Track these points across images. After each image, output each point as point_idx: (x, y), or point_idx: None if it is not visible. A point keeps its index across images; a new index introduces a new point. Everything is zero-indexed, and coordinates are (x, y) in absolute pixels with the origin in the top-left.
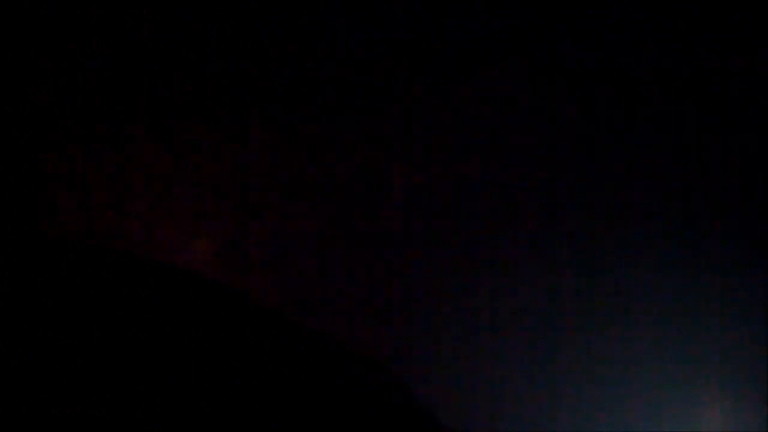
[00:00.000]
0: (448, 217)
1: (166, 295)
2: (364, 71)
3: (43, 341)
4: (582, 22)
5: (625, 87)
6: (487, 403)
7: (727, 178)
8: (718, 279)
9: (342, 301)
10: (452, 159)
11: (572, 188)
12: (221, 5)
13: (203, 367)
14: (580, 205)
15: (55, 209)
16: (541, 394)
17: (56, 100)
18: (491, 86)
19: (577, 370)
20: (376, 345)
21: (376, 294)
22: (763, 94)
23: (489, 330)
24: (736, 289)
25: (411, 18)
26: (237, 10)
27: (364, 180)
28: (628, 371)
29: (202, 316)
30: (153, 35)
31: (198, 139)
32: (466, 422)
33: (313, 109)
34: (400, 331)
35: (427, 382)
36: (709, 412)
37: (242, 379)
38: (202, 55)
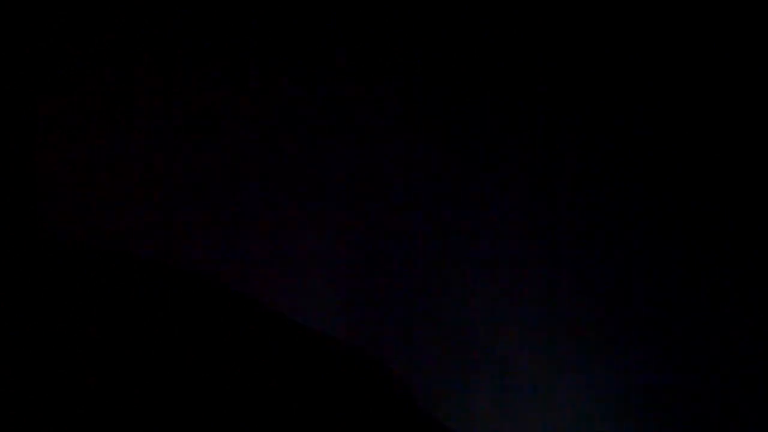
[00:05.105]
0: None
1: (165, 296)
2: None
3: (42, 341)
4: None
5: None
6: (486, 402)
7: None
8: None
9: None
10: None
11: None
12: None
13: (202, 368)
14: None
15: (55, 209)
16: (541, 393)
17: (56, 101)
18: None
19: (577, 371)
20: (374, 341)
21: (375, 290)
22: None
23: (488, 328)
24: (742, 289)
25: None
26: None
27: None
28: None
29: (202, 316)
30: (154, 35)
31: (197, 137)
32: (466, 421)
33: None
34: (399, 328)
35: (427, 380)
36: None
37: (242, 378)
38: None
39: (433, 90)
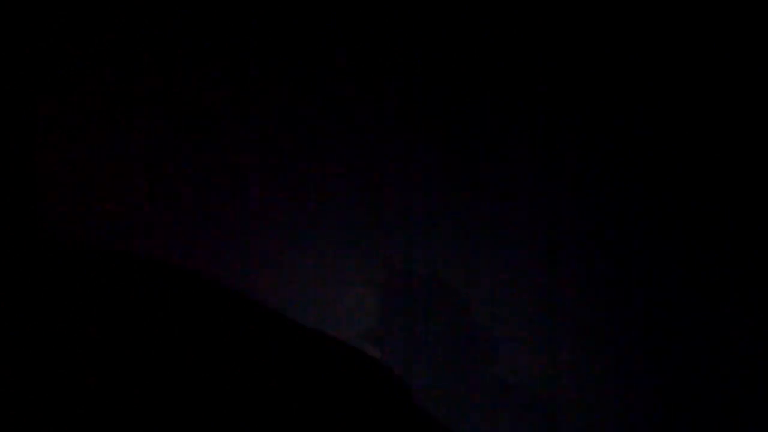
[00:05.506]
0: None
1: (165, 296)
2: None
3: (42, 341)
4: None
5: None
6: (486, 403)
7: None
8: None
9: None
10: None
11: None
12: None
13: (202, 368)
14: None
15: (55, 209)
16: (540, 393)
17: (56, 101)
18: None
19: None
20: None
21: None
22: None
23: (489, 327)
24: (745, 286)
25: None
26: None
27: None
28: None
29: (202, 316)
30: (153, 34)
31: (197, 136)
32: (465, 422)
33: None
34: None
35: (427, 382)
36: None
37: (242, 378)
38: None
39: (433, 90)
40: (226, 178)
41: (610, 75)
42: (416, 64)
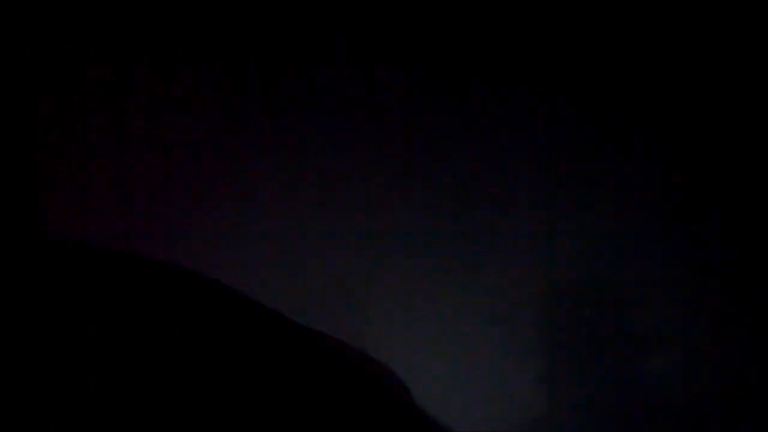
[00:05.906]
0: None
1: (165, 296)
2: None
3: (42, 341)
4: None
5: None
6: (486, 402)
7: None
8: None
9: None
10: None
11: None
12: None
13: (202, 368)
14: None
15: (54, 209)
16: (540, 391)
17: (55, 100)
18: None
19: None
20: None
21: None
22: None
23: (488, 326)
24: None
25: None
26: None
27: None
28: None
29: (202, 316)
30: (155, 34)
31: (197, 136)
32: (465, 423)
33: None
34: (397, 328)
35: (426, 381)
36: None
37: (242, 378)
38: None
39: (433, 89)
40: (223, 175)
41: (616, 69)
42: (414, 60)
